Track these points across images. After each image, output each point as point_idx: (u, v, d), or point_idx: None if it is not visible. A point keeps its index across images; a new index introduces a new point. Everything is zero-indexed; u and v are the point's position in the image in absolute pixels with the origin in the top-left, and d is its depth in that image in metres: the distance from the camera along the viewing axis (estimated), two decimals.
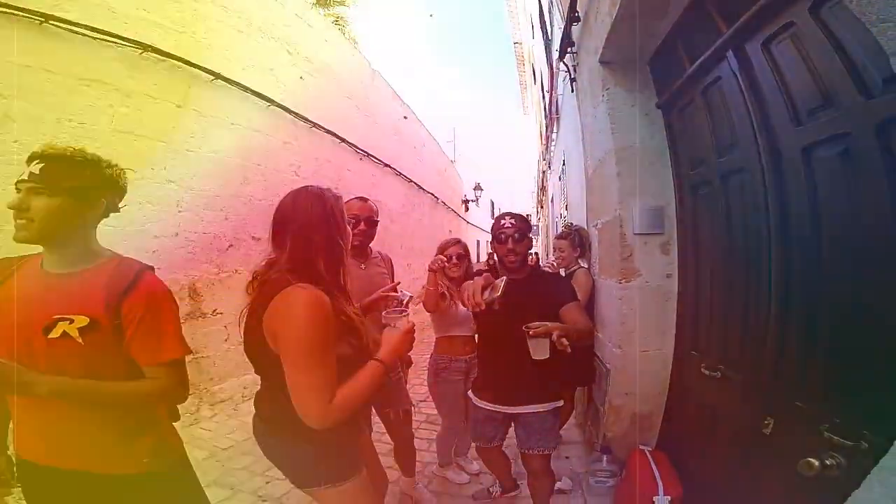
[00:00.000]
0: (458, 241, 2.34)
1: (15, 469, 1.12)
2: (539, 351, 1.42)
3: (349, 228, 1.21)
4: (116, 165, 1.12)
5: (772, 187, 1.36)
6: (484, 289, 1.34)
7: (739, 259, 1.61)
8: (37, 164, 0.99)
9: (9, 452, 1.15)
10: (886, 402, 0.95)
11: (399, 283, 1.66)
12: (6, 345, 0.96)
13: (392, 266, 2.19)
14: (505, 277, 1.36)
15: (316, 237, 1.10)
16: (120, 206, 1.16)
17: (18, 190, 0.99)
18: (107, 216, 1.12)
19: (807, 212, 1.23)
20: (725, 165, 1.65)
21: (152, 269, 1.14)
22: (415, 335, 1.22)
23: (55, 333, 0.98)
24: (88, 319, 1.00)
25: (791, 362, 1.33)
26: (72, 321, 0.99)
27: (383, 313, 1.27)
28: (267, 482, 2.48)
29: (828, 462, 0.99)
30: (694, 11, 1.69)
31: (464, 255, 2.27)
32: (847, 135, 1.06)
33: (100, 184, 1.07)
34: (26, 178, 0.98)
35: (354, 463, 1.21)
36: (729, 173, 1.64)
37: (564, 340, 1.34)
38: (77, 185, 1.02)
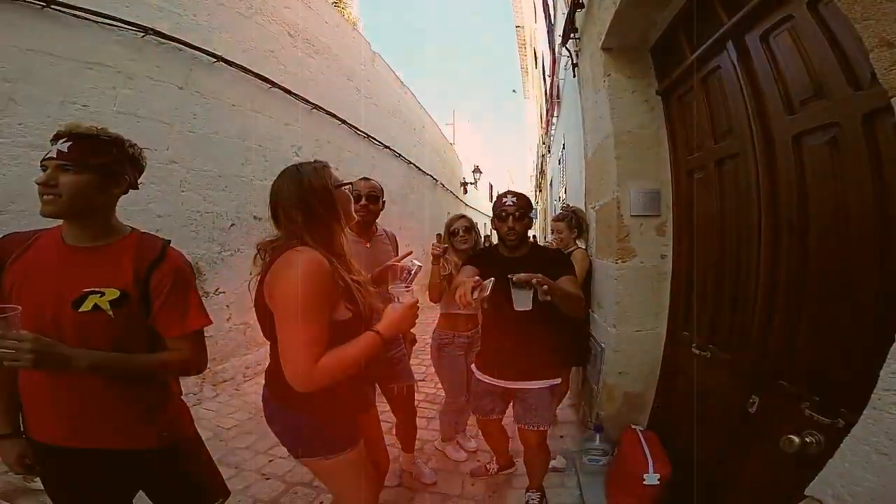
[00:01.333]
0: (462, 216, 2.42)
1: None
2: (520, 301, 1.44)
3: (340, 193, 1.20)
4: (136, 145, 1.14)
5: (763, 172, 1.42)
6: (474, 289, 1.38)
7: (730, 241, 1.67)
8: (64, 142, 1.01)
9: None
10: (862, 381, 0.99)
11: (411, 252, 1.67)
12: (31, 320, 0.94)
13: (397, 244, 2.24)
14: (493, 279, 1.41)
15: (296, 214, 1.14)
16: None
17: (45, 168, 1.00)
18: (126, 193, 1.14)
19: (795, 196, 1.29)
20: (720, 151, 1.71)
21: (169, 241, 1.18)
22: (418, 311, 1.21)
23: (86, 307, 0.99)
24: (119, 292, 1.02)
25: (776, 342, 1.38)
26: (102, 294, 1.01)
27: (390, 286, 1.33)
28: (270, 460, 2.52)
29: (808, 439, 1.04)
30: (696, 2, 1.71)
31: (470, 227, 2.35)
32: (836, 124, 1.12)
33: (124, 161, 1.10)
34: (54, 155, 1.00)
35: (350, 436, 1.23)
36: (724, 158, 1.69)
37: (545, 287, 1.38)
38: (103, 163, 1.04)
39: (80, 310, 0.99)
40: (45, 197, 0.99)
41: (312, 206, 1.14)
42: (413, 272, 1.42)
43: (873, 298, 1.02)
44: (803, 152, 1.26)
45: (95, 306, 1.00)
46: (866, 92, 1.01)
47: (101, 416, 1.06)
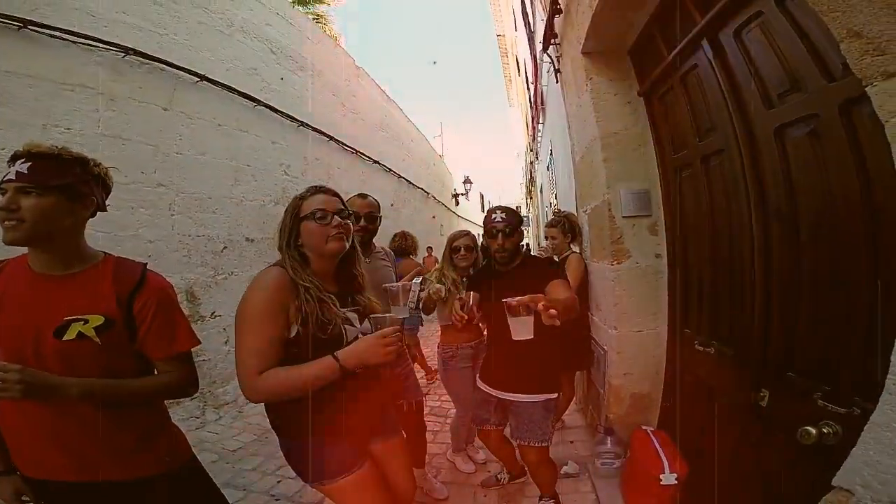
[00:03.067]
0: (466, 233, 2.41)
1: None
2: (520, 330, 1.29)
3: (306, 225, 1.21)
4: (101, 164, 1.10)
5: (749, 166, 1.44)
6: (462, 306, 1.49)
7: (723, 236, 1.68)
8: (23, 163, 0.96)
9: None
10: (870, 367, 0.97)
11: (420, 269, 1.70)
12: (8, 352, 0.92)
13: (395, 262, 2.24)
14: (472, 293, 1.55)
15: (280, 238, 1.24)
16: (108, 205, 1.14)
17: (4, 191, 0.94)
18: (94, 216, 1.10)
19: (782, 188, 1.30)
20: (705, 148, 1.73)
21: (147, 265, 1.15)
22: (390, 346, 1.12)
23: (70, 335, 0.96)
24: (104, 318, 0.99)
25: (778, 334, 1.37)
26: (86, 321, 0.98)
27: (385, 285, 1.32)
28: (278, 481, 2.50)
29: (825, 430, 1.02)
30: (670, 2, 1.75)
31: (472, 246, 2.34)
32: (815, 115, 1.13)
33: (89, 180, 1.05)
34: (13, 177, 0.94)
35: (345, 461, 1.21)
36: (709, 155, 1.71)
37: (552, 311, 1.21)
38: (67, 184, 0.99)
39: (63, 338, 0.96)
40: (6, 223, 0.94)
41: (285, 232, 1.22)
42: (415, 292, 1.39)
43: (868, 283, 1.02)
44: (786, 144, 1.28)
45: (80, 334, 0.97)
46: (840, 83, 1.03)
47: (98, 446, 1.02)
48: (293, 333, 1.12)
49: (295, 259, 1.20)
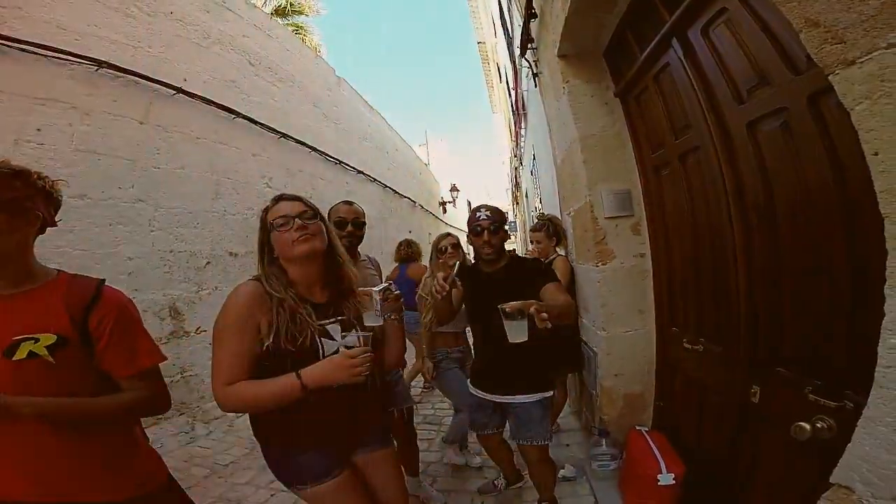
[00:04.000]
0: (448, 234, 2.49)
1: None
2: (515, 333, 1.30)
3: (275, 233, 1.20)
4: (47, 177, 1.05)
5: (725, 162, 1.45)
6: (445, 277, 1.45)
7: (704, 233, 1.69)
8: None
9: None
10: (858, 359, 0.97)
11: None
12: None
13: (380, 269, 2.22)
14: (457, 262, 1.47)
15: (260, 259, 1.25)
16: (58, 220, 1.09)
17: None
18: (43, 232, 1.05)
19: (759, 181, 1.31)
20: (682, 146, 1.74)
21: (104, 281, 1.10)
22: (357, 367, 1.09)
23: (20, 355, 0.92)
24: (56, 336, 0.95)
25: (764, 329, 1.37)
26: (37, 340, 0.94)
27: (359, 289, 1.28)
28: (272, 494, 2.46)
29: (818, 425, 1.01)
30: (639, 2, 1.77)
31: (457, 244, 2.43)
32: (784, 109, 1.15)
33: (33, 195, 1.00)
34: None
35: (317, 469, 1.20)
36: (686, 153, 1.73)
37: (544, 315, 1.23)
38: (10, 198, 0.94)
39: (14, 358, 0.92)
40: None
41: (262, 246, 1.24)
42: (378, 298, 1.25)
43: (848, 274, 1.02)
44: (759, 139, 1.29)
45: (31, 353, 0.93)
46: (806, 75, 1.05)
47: (64, 467, 0.98)
48: (265, 347, 1.11)
49: (273, 272, 1.19)
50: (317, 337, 1.16)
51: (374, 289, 1.25)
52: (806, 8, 0.69)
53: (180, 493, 1.25)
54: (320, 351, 1.16)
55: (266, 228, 1.22)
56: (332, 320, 1.23)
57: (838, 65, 0.66)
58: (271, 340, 1.10)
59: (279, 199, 1.24)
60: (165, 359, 1.15)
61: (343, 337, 1.22)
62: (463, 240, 2.46)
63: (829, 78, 0.69)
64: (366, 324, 1.25)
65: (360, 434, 1.32)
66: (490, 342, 1.80)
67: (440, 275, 1.53)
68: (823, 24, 0.67)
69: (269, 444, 1.24)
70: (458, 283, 1.52)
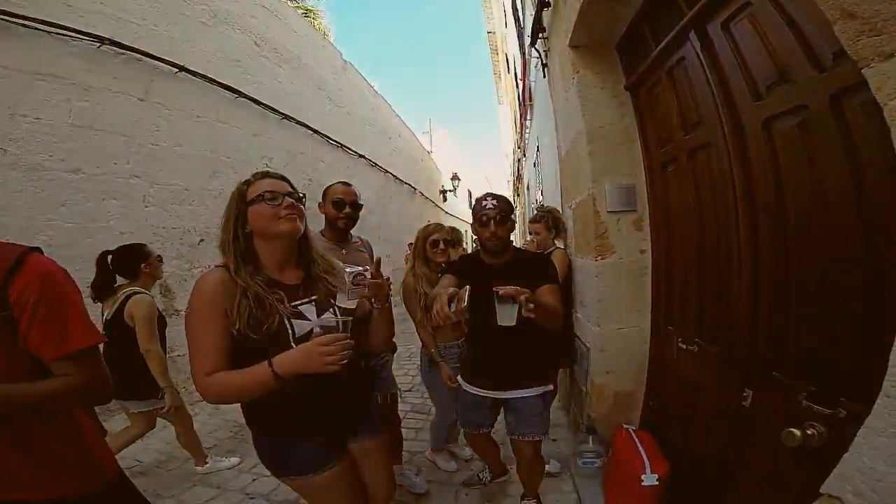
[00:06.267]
0: (442, 227, 2.34)
1: None
2: (505, 317, 1.33)
3: (255, 209, 1.15)
4: None
5: (736, 160, 1.41)
6: (450, 300, 1.27)
7: (709, 232, 1.65)
8: None
9: None
10: (859, 368, 0.95)
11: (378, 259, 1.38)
12: None
13: (373, 252, 2.16)
14: (468, 287, 1.30)
15: (223, 234, 1.19)
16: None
17: None
18: None
19: (771, 181, 1.28)
20: (691, 142, 1.70)
21: (40, 249, 0.95)
22: (329, 355, 1.04)
23: None
24: None
25: (764, 332, 1.34)
26: None
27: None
28: (254, 479, 2.46)
29: (809, 432, 1.00)
30: None
31: (451, 241, 2.28)
32: (804, 107, 1.11)
33: None
34: None
35: (314, 460, 1.20)
36: (695, 149, 1.69)
37: (531, 305, 1.28)
38: None
39: None
40: None
41: (230, 222, 1.16)
42: (352, 278, 1.18)
43: (860, 281, 0.99)
44: (774, 137, 1.25)
45: None
46: (830, 73, 1.01)
47: None
48: (230, 335, 1.08)
49: (238, 256, 1.14)
50: (286, 320, 1.12)
51: (347, 269, 1.20)
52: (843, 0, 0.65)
53: (132, 491, 1.14)
54: (290, 333, 1.12)
55: (242, 200, 1.16)
56: (305, 300, 1.19)
57: (875, 57, 0.63)
58: (237, 328, 1.07)
59: (265, 175, 1.20)
60: (104, 339, 1.01)
61: (319, 317, 1.18)
62: (462, 230, 2.34)
63: (863, 71, 0.65)
64: (337, 304, 1.21)
65: (352, 422, 1.30)
66: (489, 334, 1.72)
67: (444, 298, 1.29)
68: (861, 15, 0.64)
69: (259, 433, 1.22)
70: (467, 313, 1.31)
